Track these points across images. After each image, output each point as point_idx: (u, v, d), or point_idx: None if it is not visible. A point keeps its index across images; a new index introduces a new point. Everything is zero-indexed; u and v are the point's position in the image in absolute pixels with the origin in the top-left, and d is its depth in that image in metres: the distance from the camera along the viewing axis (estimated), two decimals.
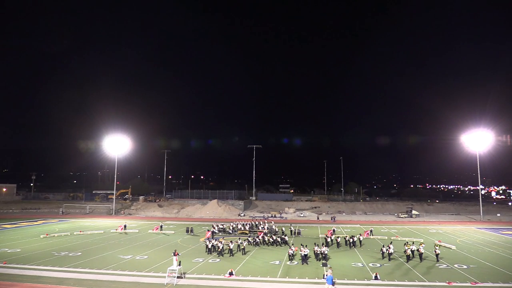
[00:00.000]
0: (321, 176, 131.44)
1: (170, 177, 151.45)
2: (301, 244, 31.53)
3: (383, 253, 32.01)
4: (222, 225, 48.21)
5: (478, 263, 29.71)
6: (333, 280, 21.94)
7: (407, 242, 35.19)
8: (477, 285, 23.50)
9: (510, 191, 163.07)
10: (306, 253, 29.95)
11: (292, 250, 31.08)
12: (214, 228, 45.86)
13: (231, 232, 45.87)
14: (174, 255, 26.86)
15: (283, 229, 46.38)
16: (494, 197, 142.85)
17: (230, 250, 32.82)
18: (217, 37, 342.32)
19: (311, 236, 45.37)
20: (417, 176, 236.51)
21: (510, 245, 38.71)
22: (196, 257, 31.81)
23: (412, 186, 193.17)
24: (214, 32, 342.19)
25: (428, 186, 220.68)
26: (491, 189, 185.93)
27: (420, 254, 30.63)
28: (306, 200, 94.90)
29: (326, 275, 24.85)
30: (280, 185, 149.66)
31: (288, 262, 29.70)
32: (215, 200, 77.82)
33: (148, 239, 41.88)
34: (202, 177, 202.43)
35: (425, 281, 24.30)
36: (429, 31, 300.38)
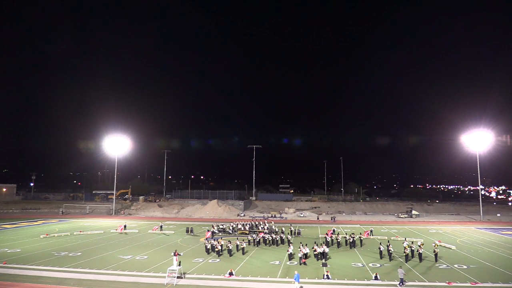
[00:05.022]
0: (321, 176, 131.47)
1: (170, 177, 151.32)
2: (301, 243, 31.54)
3: (381, 252, 32.08)
4: (222, 225, 48.22)
5: (478, 263, 29.72)
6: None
7: (406, 238, 35.46)
8: (477, 285, 23.50)
9: (510, 191, 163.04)
10: (306, 252, 29.99)
11: (291, 249, 31.15)
12: (214, 228, 45.88)
13: (231, 232, 45.88)
14: (174, 255, 26.88)
15: (283, 229, 46.38)
16: (494, 197, 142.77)
17: (229, 250, 32.84)
18: (217, 37, 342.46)
19: (311, 236, 45.35)
20: (417, 176, 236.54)
21: (510, 245, 38.73)
22: (196, 257, 31.82)
23: (412, 186, 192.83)
24: (214, 32, 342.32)
25: (428, 186, 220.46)
26: (491, 189, 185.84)
27: (420, 254, 30.65)
28: (306, 200, 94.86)
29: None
30: (280, 185, 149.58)
31: (288, 262, 29.69)
32: (215, 200, 77.82)
33: (148, 239, 41.88)
34: (202, 177, 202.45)
35: (425, 281, 24.31)
36: (429, 31, 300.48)
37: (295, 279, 22.47)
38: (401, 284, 23.14)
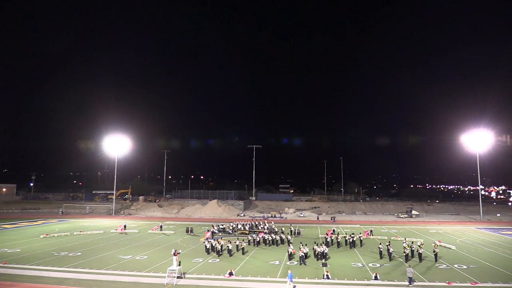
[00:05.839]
0: (321, 176, 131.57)
1: (170, 177, 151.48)
2: (301, 243, 31.52)
3: (380, 252, 32.09)
4: (222, 225, 48.22)
5: (478, 263, 29.72)
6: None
7: (405, 238, 35.48)
8: (477, 285, 23.50)
9: (510, 191, 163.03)
10: (305, 252, 29.98)
11: (291, 249, 31.16)
12: (214, 228, 45.87)
13: (231, 232, 45.88)
14: (174, 255, 26.87)
15: (283, 229, 46.38)
16: (494, 197, 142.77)
17: (229, 250, 32.84)
18: (216, 37, 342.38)
19: (311, 236, 45.35)
20: (417, 176, 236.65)
21: (510, 245, 38.73)
22: (196, 257, 31.82)
23: (412, 186, 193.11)
24: (214, 31, 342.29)
25: (428, 186, 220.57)
26: (491, 189, 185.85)
27: (420, 254, 30.65)
28: (306, 200, 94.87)
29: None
30: (280, 185, 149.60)
31: (288, 262, 29.69)
32: (215, 200, 77.83)
33: (148, 239, 41.88)
34: (202, 177, 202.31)
35: (425, 281, 24.29)
36: (429, 31, 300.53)
37: (288, 278, 22.54)
38: (410, 283, 23.13)
